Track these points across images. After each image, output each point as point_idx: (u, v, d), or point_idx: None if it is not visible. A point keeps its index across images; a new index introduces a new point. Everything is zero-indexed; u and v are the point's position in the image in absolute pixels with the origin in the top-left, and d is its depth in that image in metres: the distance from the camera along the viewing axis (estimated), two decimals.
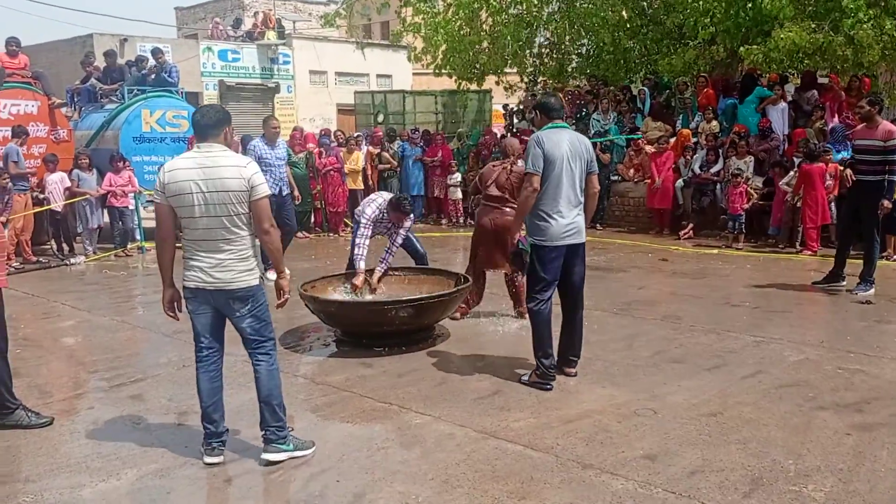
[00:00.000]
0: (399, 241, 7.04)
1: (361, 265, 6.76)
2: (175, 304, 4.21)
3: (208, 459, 4.08)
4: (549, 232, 5.05)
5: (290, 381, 5.40)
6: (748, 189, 10.99)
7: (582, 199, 5.17)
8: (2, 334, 4.65)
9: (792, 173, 10.65)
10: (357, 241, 6.88)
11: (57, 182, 10.99)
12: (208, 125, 4.04)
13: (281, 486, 3.81)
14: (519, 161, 6.83)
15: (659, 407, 4.73)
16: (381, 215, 6.93)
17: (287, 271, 4.27)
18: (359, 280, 6.72)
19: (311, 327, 6.79)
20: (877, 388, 5.01)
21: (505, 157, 7.02)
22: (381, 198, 7.09)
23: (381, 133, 15.08)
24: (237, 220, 3.99)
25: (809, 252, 10.11)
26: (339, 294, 6.75)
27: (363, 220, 6.90)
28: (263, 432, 4.12)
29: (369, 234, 6.89)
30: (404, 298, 6.33)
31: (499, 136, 15.01)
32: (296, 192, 9.78)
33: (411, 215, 7.06)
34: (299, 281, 7.63)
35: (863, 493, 3.60)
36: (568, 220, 5.05)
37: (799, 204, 10.38)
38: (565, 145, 5.04)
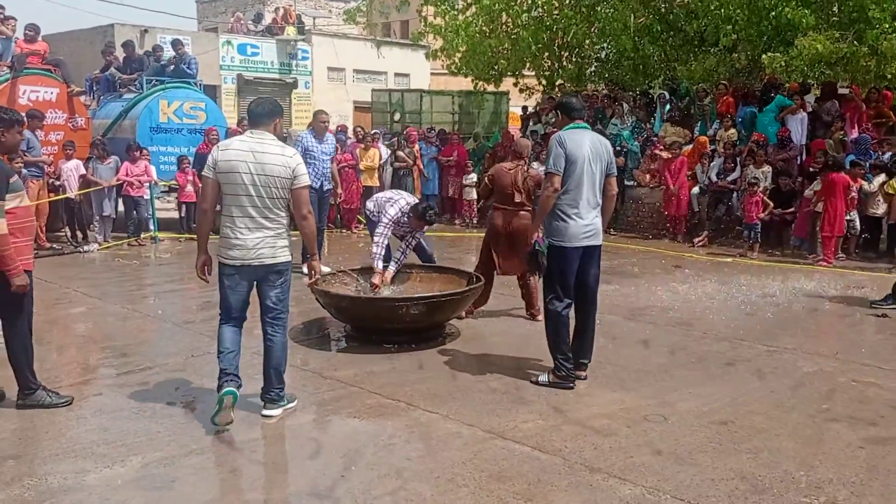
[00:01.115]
0: (413, 244, 7.00)
1: (379, 265, 6.69)
2: (206, 268, 4.59)
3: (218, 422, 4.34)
4: (567, 233, 5.00)
5: (299, 375, 5.40)
6: (764, 198, 10.90)
7: (600, 201, 5.12)
8: (28, 314, 4.73)
9: (817, 181, 10.58)
10: (376, 240, 6.82)
11: (72, 169, 11.03)
12: (262, 114, 4.52)
13: (286, 478, 3.79)
14: (534, 164, 6.79)
15: (669, 413, 4.68)
16: (402, 217, 6.86)
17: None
18: (377, 279, 6.65)
19: (322, 322, 6.77)
20: (891, 402, 4.93)
21: (515, 157, 6.89)
22: (402, 199, 7.00)
23: (415, 132, 14.95)
24: (279, 203, 4.45)
25: (825, 263, 10.01)
26: (352, 291, 6.73)
27: (384, 220, 6.82)
28: (267, 394, 4.61)
29: (388, 234, 6.83)
30: (415, 296, 6.30)
31: (516, 138, 14.97)
32: (339, 190, 9.61)
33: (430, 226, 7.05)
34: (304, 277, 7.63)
35: None
36: (586, 222, 5.01)
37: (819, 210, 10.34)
38: (587, 146, 5.01)
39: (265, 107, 4.54)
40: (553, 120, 14.95)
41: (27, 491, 3.62)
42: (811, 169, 11.02)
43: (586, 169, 4.98)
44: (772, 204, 10.95)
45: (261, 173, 4.35)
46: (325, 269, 8.57)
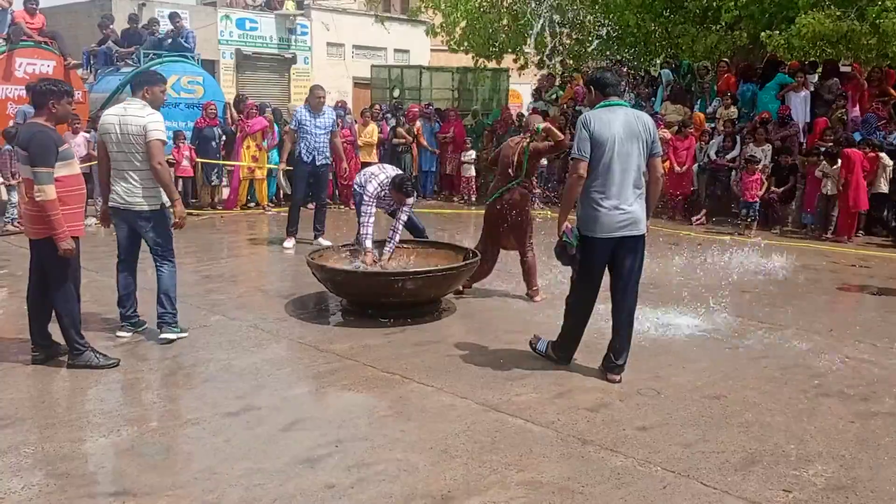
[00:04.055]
0: (404, 218, 6.94)
1: (369, 244, 6.67)
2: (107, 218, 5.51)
3: (120, 334, 5.50)
4: (598, 222, 4.60)
5: (295, 348, 5.43)
6: (763, 177, 10.88)
7: (642, 185, 4.68)
8: (76, 279, 4.93)
9: (824, 161, 10.57)
10: (362, 219, 6.81)
11: (80, 144, 10.98)
12: (135, 84, 5.44)
13: (280, 448, 3.82)
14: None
15: (662, 387, 4.71)
16: (382, 192, 6.82)
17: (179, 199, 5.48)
18: (368, 259, 6.64)
19: (318, 296, 6.79)
20: (883, 379, 4.96)
21: (525, 132, 6.78)
22: (382, 173, 6.95)
23: (416, 108, 14.92)
24: (139, 156, 5.20)
25: (841, 239, 10.08)
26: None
27: (365, 198, 6.80)
28: (162, 318, 5.41)
29: (374, 210, 6.80)
30: (411, 270, 6.31)
31: (514, 115, 14.91)
32: (343, 164, 9.48)
33: (412, 197, 6.95)
34: (308, 250, 7.65)
35: (864, 480, 3.57)
36: (621, 210, 4.58)
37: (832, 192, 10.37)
38: (618, 125, 4.55)
39: (139, 77, 5.52)
40: (553, 95, 14.89)
41: (24, 459, 3.65)
42: (818, 147, 10.99)
43: (618, 151, 4.53)
44: (767, 183, 10.93)
45: (122, 132, 5.17)
46: (325, 243, 8.64)
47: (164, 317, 5.42)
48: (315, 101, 9.00)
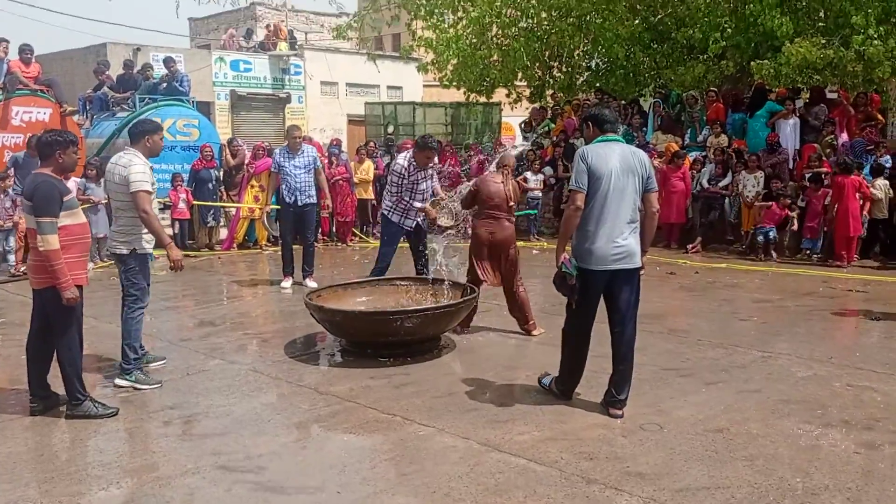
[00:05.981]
0: (435, 184, 7.56)
1: (417, 204, 7.42)
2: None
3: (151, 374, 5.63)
4: (592, 255, 4.66)
5: (294, 391, 5.40)
6: (777, 206, 10.89)
7: (636, 219, 4.74)
8: (79, 326, 4.91)
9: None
10: (393, 198, 7.47)
11: (71, 189, 10.98)
12: (132, 134, 5.68)
13: (282, 497, 3.78)
14: (528, 174, 6.79)
15: (665, 422, 4.68)
16: (405, 168, 7.33)
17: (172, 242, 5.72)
18: (430, 210, 7.44)
19: (317, 336, 6.78)
20: (887, 406, 4.94)
21: (502, 168, 6.78)
22: (398, 162, 7.49)
23: (409, 143, 15.03)
24: (121, 204, 5.48)
25: (838, 265, 10.12)
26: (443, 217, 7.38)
27: (394, 178, 7.41)
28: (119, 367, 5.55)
29: (399, 189, 7.40)
30: (410, 308, 6.31)
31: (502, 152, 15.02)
32: (326, 202, 9.49)
33: (436, 153, 7.57)
34: (306, 290, 7.65)
35: None
36: (615, 243, 4.64)
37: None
38: (615, 160, 4.62)
39: (135, 128, 5.68)
40: (545, 128, 15.01)
41: None
42: (805, 174, 11.08)
43: (614, 185, 4.59)
44: (788, 210, 10.96)
45: (109, 181, 5.55)
46: (312, 284, 8.58)
47: (121, 363, 5.55)
48: (292, 141, 9.03)
